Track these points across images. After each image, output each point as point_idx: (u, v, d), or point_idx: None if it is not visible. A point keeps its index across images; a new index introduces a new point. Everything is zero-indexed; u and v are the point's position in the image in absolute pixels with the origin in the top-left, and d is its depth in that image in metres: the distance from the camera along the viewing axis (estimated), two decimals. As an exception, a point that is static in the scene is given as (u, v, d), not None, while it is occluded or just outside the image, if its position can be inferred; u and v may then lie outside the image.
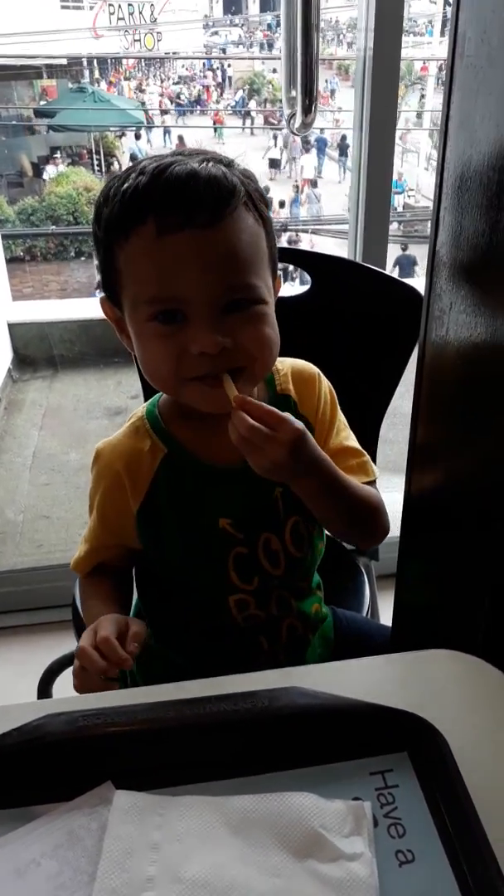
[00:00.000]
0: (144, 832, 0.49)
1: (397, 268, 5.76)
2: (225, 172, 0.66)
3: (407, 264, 5.88)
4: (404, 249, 6.12)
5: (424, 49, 8.68)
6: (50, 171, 7.26)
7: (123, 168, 0.74)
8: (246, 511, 0.77)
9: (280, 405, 0.80)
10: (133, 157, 7.65)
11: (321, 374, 0.84)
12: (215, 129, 8.65)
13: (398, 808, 0.51)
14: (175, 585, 0.81)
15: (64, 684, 1.17)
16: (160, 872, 0.47)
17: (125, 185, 0.65)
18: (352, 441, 0.84)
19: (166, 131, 8.35)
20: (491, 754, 0.55)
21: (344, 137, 7.95)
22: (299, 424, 0.67)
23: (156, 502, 0.76)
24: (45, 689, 1.20)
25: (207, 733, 0.54)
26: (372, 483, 0.83)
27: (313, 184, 7.98)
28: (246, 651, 0.81)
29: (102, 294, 0.74)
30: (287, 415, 0.67)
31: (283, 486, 0.76)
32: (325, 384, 0.84)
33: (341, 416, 0.85)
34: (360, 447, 0.85)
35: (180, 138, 7.81)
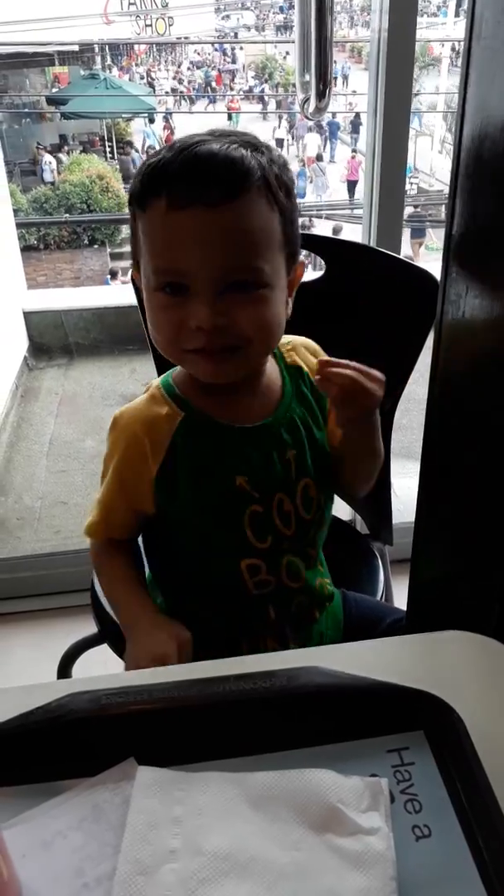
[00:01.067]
0: (167, 806, 0.50)
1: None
2: (244, 155, 0.67)
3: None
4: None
5: (438, 30, 8.56)
6: (61, 160, 7.26)
7: (136, 155, 0.79)
8: (261, 470, 0.78)
9: (293, 375, 0.82)
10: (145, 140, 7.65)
11: (318, 348, 0.88)
12: (230, 116, 8.62)
13: (414, 784, 0.52)
14: (188, 551, 0.83)
15: (82, 668, 1.19)
16: (183, 845, 0.48)
17: (153, 160, 0.69)
18: None
19: (166, 117, 8.33)
20: (506, 733, 0.56)
21: (357, 115, 7.94)
22: (374, 372, 0.74)
23: (174, 464, 0.78)
24: (64, 672, 1.22)
25: (228, 711, 0.55)
26: None
27: (318, 158, 8.05)
28: (254, 621, 0.83)
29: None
30: (362, 365, 0.73)
31: (296, 449, 0.78)
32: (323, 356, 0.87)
33: None
34: None
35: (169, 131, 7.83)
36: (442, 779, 0.52)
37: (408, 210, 7.09)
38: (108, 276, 6.15)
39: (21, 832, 0.50)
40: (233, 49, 9.67)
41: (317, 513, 0.84)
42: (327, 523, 0.89)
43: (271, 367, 0.82)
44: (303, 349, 0.85)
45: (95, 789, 0.53)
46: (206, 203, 0.65)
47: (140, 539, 0.90)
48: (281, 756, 0.54)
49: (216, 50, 9.53)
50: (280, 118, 8.61)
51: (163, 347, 0.74)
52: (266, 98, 9.23)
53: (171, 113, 8.66)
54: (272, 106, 9.21)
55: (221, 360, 0.71)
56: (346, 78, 8.62)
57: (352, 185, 7.63)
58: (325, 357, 0.74)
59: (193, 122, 8.56)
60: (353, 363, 0.72)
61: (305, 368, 0.83)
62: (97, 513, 0.84)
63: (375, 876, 0.46)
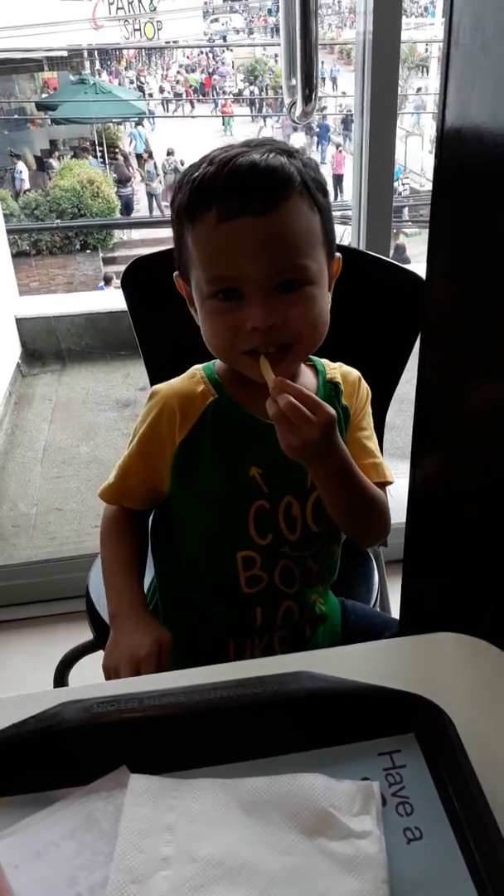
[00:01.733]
0: (159, 814, 0.51)
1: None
2: (283, 163, 0.72)
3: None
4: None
5: (427, 31, 8.58)
6: (52, 166, 7.25)
7: (125, 159, 0.81)
8: (276, 467, 0.80)
9: (328, 390, 0.84)
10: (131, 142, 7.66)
11: (363, 380, 0.91)
12: (224, 121, 8.64)
13: (406, 787, 0.53)
14: (189, 533, 0.85)
15: (79, 673, 1.20)
16: (175, 852, 0.48)
17: (196, 174, 0.73)
18: (372, 443, 0.89)
19: (143, 122, 8.28)
20: (496, 734, 0.56)
21: (350, 115, 7.97)
22: (332, 411, 0.72)
23: (198, 440, 0.81)
24: (60, 679, 1.22)
25: (219, 718, 0.55)
26: (383, 485, 0.87)
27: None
28: (241, 623, 0.84)
29: (176, 273, 0.81)
30: (321, 400, 0.72)
31: None
32: (365, 388, 0.90)
33: (370, 421, 0.91)
34: (378, 451, 0.89)
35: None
36: (433, 781, 0.53)
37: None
38: (102, 283, 6.14)
39: (14, 843, 0.51)
40: (223, 52, 9.69)
41: (326, 528, 0.85)
42: (337, 544, 0.89)
43: (310, 378, 0.85)
44: (344, 374, 0.88)
45: (88, 798, 0.53)
46: (253, 212, 0.70)
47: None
48: (272, 761, 0.54)
49: (201, 53, 9.53)
50: (264, 119, 8.64)
51: (219, 350, 0.78)
52: (255, 101, 9.24)
53: (162, 117, 8.67)
54: (263, 109, 9.22)
55: (276, 360, 0.75)
56: (334, 80, 8.63)
57: (337, 180, 7.68)
58: (272, 373, 0.73)
59: (186, 126, 8.56)
60: (301, 389, 0.71)
61: (342, 387, 0.87)
62: (114, 476, 0.87)
63: (368, 879, 0.47)
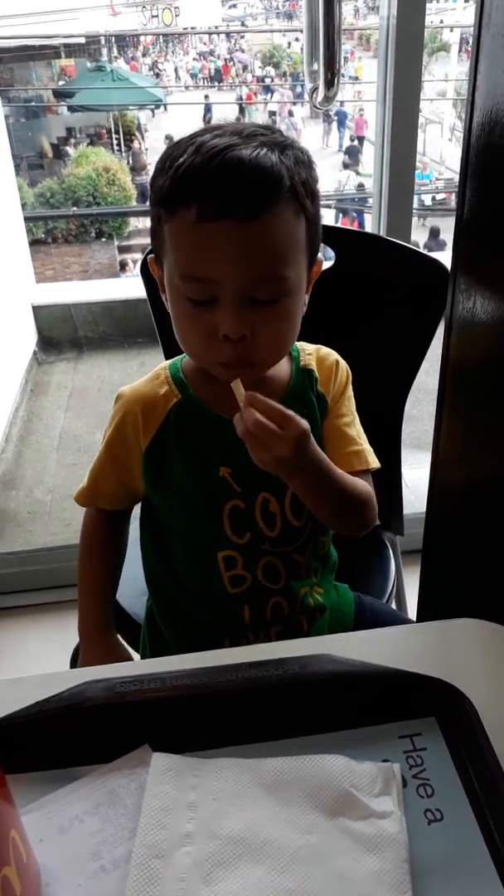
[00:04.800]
0: (182, 792, 0.51)
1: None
2: (273, 162, 0.66)
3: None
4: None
5: (448, 16, 8.48)
6: (68, 153, 7.24)
7: (143, 144, 0.76)
8: (246, 465, 0.76)
9: (302, 378, 0.82)
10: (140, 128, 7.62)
11: (341, 362, 0.86)
12: (241, 109, 8.58)
13: (426, 769, 0.53)
14: (171, 535, 0.84)
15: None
16: (197, 829, 0.49)
17: (180, 160, 0.67)
18: (353, 429, 0.85)
19: (152, 109, 8.22)
20: (518, 719, 0.56)
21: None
22: (304, 424, 0.69)
23: (163, 443, 0.80)
24: (76, 663, 1.22)
25: (240, 698, 0.56)
26: (366, 473, 0.83)
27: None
28: (230, 623, 0.83)
29: (151, 255, 0.78)
30: (293, 413, 0.69)
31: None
32: (343, 370, 0.86)
33: (352, 406, 0.87)
34: (361, 437, 0.85)
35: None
36: (454, 764, 0.53)
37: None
38: (120, 269, 6.14)
39: (39, 817, 0.51)
40: (242, 38, 9.62)
41: (309, 521, 0.82)
42: (327, 534, 0.87)
43: (282, 365, 0.82)
44: (320, 359, 0.85)
45: (111, 775, 0.54)
46: (236, 217, 0.65)
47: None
48: (294, 742, 0.55)
49: (221, 40, 9.47)
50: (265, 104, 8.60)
51: (194, 356, 0.77)
52: (272, 87, 9.17)
53: (179, 104, 8.62)
54: (277, 95, 9.15)
55: (239, 373, 0.72)
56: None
57: (359, 141, 7.63)
58: (242, 390, 0.70)
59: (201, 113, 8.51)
60: (271, 403, 0.68)
61: (316, 374, 0.84)
62: (87, 479, 0.87)
63: (388, 859, 0.47)
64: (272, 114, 8.53)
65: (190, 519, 0.81)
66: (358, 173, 7.09)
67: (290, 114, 8.23)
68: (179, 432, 0.79)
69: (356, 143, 8.04)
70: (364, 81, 8.23)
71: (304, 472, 0.72)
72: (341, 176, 7.25)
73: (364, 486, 0.81)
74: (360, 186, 6.67)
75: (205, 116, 7.73)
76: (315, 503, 0.78)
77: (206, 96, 8.79)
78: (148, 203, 0.75)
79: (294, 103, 8.61)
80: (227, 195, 0.65)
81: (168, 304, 0.76)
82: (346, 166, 7.53)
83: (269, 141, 0.68)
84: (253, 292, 0.69)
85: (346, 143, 8.27)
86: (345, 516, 0.81)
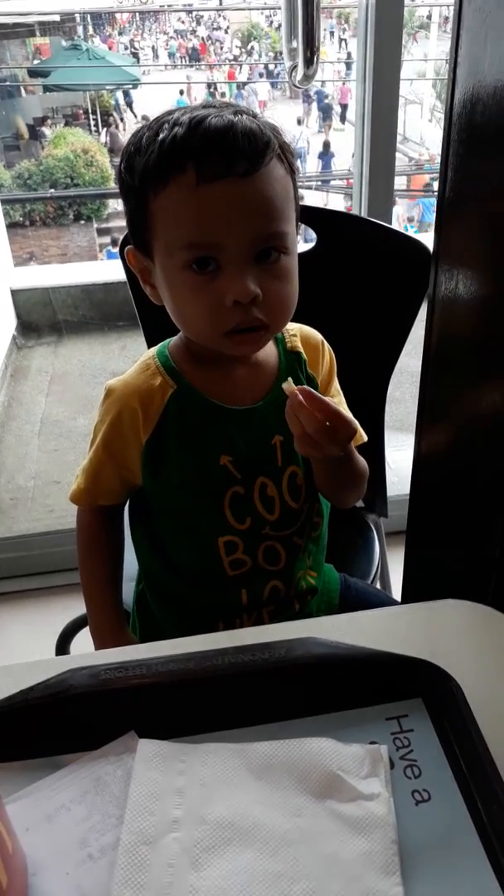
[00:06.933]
0: (169, 777, 0.51)
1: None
2: (259, 125, 0.68)
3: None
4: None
5: (427, -6, 8.42)
6: (44, 134, 7.13)
7: (122, 125, 0.75)
8: (245, 452, 0.79)
9: (291, 361, 0.81)
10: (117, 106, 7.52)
11: (325, 343, 0.87)
12: (239, 87, 8.50)
13: (413, 750, 0.53)
14: (168, 522, 0.83)
15: (79, 645, 1.20)
16: (185, 814, 0.49)
17: (161, 136, 0.67)
18: (342, 407, 0.86)
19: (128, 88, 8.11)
20: (502, 699, 0.57)
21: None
22: (355, 425, 0.72)
23: (163, 435, 0.79)
24: (62, 650, 1.22)
25: (227, 683, 0.55)
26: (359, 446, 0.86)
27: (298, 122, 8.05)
28: (227, 604, 0.83)
29: (130, 246, 0.76)
30: (349, 417, 0.71)
31: (283, 435, 0.78)
32: (328, 351, 0.87)
33: (336, 384, 0.88)
34: (348, 412, 0.86)
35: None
36: (440, 744, 0.53)
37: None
38: (115, 246, 6.09)
39: (25, 806, 0.51)
40: (219, 17, 9.49)
41: (306, 503, 0.83)
42: (322, 516, 0.88)
43: (270, 349, 0.82)
44: (305, 339, 0.85)
45: (97, 762, 0.53)
46: (236, 174, 0.66)
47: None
48: (281, 726, 0.55)
49: (193, 19, 9.34)
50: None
51: (198, 332, 0.74)
52: (250, 66, 9.08)
53: (156, 83, 8.51)
54: (257, 73, 9.06)
55: (244, 341, 0.72)
56: (344, 42, 8.49)
57: (343, 108, 7.60)
58: (295, 388, 0.69)
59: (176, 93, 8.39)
60: (329, 404, 0.69)
61: (304, 356, 0.84)
62: (84, 479, 0.84)
63: (377, 840, 0.47)
64: (240, 86, 8.48)
65: (190, 507, 0.80)
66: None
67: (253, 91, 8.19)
68: (179, 423, 0.78)
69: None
70: (327, 61, 8.19)
71: (338, 459, 0.75)
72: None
73: (363, 460, 0.84)
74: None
75: (182, 94, 7.64)
76: (332, 480, 0.81)
77: (188, 77, 8.69)
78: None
79: (273, 83, 8.54)
80: (224, 154, 0.65)
81: (159, 291, 0.75)
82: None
83: (243, 110, 0.70)
84: (256, 251, 0.69)
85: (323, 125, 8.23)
86: (350, 490, 0.85)
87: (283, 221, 0.70)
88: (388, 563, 1.20)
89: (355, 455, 0.81)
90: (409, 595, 0.94)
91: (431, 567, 0.93)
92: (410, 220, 7.00)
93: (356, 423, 0.83)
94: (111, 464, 0.82)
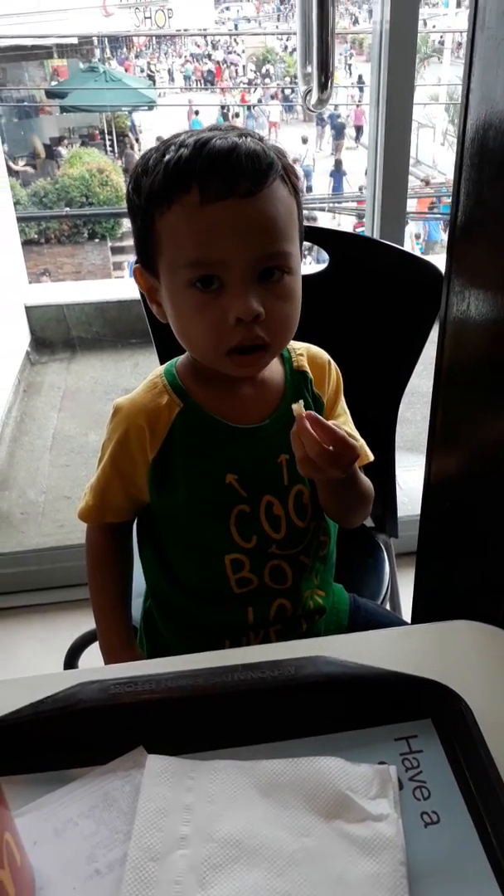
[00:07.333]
0: (177, 794, 0.51)
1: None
2: (263, 147, 0.69)
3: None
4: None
5: (440, 21, 8.52)
6: (61, 154, 7.23)
7: (137, 146, 0.77)
8: (251, 471, 0.79)
9: (297, 381, 0.82)
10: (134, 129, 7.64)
11: (332, 362, 0.87)
12: (249, 108, 8.60)
13: (423, 771, 0.53)
14: (175, 540, 0.84)
15: (88, 660, 1.20)
16: (193, 832, 0.49)
17: (167, 157, 0.69)
18: (349, 426, 0.87)
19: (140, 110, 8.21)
20: (513, 721, 0.56)
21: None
22: (357, 450, 0.71)
23: (170, 453, 0.79)
24: (70, 664, 1.22)
25: (235, 700, 0.55)
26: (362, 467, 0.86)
27: (304, 141, 8.11)
28: (232, 623, 0.83)
29: (137, 264, 0.77)
30: (352, 442, 0.71)
31: (289, 454, 0.78)
32: (335, 370, 0.87)
33: (343, 403, 0.89)
34: (355, 433, 0.87)
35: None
36: (450, 766, 0.53)
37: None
38: (134, 263, 6.14)
39: (33, 819, 0.51)
40: (234, 41, 9.63)
41: (312, 521, 0.83)
42: (329, 535, 0.88)
43: (276, 368, 0.82)
44: (312, 358, 0.85)
45: (106, 777, 0.53)
46: (239, 195, 0.67)
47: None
48: (289, 744, 0.55)
49: (215, 42, 9.49)
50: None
51: (201, 351, 0.75)
52: (263, 90, 9.19)
53: (172, 105, 8.62)
54: (268, 96, 9.16)
55: (246, 362, 0.73)
56: (349, 67, 8.59)
57: (358, 130, 7.68)
58: (303, 412, 0.70)
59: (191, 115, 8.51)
60: (335, 430, 0.70)
61: (310, 375, 0.84)
62: (92, 497, 0.85)
63: (385, 861, 0.47)
64: (251, 107, 8.59)
65: (196, 525, 0.81)
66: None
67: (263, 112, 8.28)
68: (185, 442, 0.79)
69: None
70: (341, 85, 8.27)
71: (339, 482, 0.75)
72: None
73: (369, 481, 0.84)
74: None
75: (191, 117, 7.74)
76: (336, 501, 0.81)
77: (190, 101, 8.82)
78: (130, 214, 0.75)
79: (288, 105, 8.64)
80: (228, 174, 0.67)
81: (164, 309, 0.76)
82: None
83: (248, 133, 0.71)
84: (259, 269, 0.70)
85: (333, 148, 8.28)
86: (355, 510, 0.85)
87: (285, 241, 0.71)
88: (398, 583, 1.20)
89: (359, 476, 0.81)
90: (420, 616, 0.94)
91: (442, 588, 0.92)
92: (418, 236, 7.03)
93: (360, 446, 0.84)
94: (119, 481, 0.82)
